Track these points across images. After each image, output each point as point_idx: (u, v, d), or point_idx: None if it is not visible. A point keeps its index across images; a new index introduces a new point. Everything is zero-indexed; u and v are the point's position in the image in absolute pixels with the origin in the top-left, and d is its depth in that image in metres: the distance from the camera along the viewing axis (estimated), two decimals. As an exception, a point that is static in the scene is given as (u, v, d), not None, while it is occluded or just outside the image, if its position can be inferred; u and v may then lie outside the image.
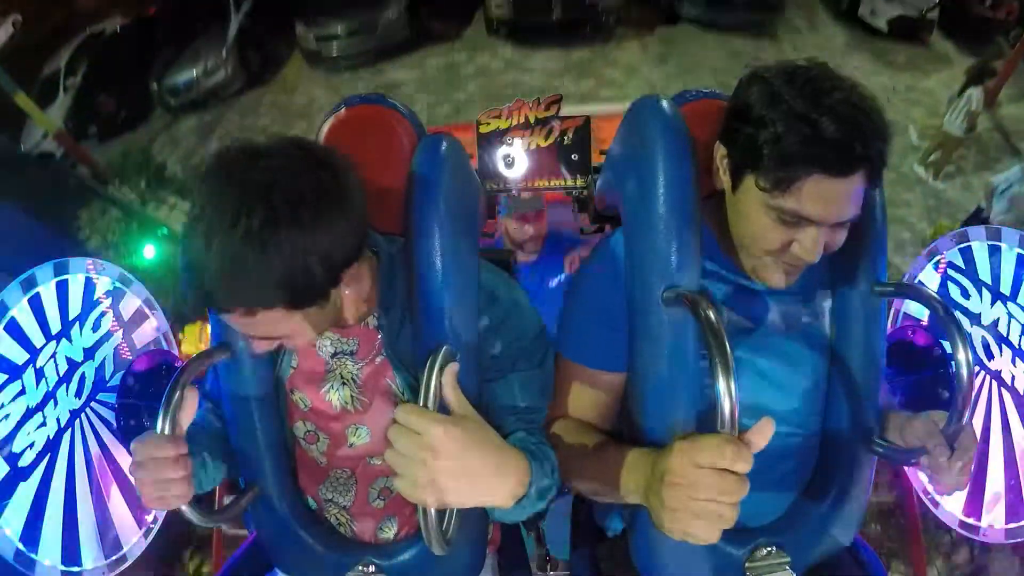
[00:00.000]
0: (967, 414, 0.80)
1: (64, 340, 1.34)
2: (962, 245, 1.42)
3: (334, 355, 0.92)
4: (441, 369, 0.71)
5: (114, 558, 1.38)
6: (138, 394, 1.42)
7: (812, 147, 0.74)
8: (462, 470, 0.66)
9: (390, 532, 0.99)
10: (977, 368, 1.32)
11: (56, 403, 1.32)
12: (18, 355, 1.25)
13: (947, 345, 1.21)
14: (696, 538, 0.64)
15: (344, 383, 0.92)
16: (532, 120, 1.36)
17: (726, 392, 0.62)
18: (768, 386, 0.92)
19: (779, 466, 0.95)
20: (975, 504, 1.35)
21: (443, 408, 0.71)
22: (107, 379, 1.44)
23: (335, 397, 0.92)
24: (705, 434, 0.63)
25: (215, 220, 0.68)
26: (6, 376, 1.22)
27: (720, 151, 0.85)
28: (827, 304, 0.95)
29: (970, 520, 1.36)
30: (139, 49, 8.23)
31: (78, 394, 1.37)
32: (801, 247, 0.80)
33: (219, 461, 0.96)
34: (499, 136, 1.38)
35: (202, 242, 0.68)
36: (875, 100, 0.77)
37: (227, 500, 0.98)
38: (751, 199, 0.81)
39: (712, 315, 0.67)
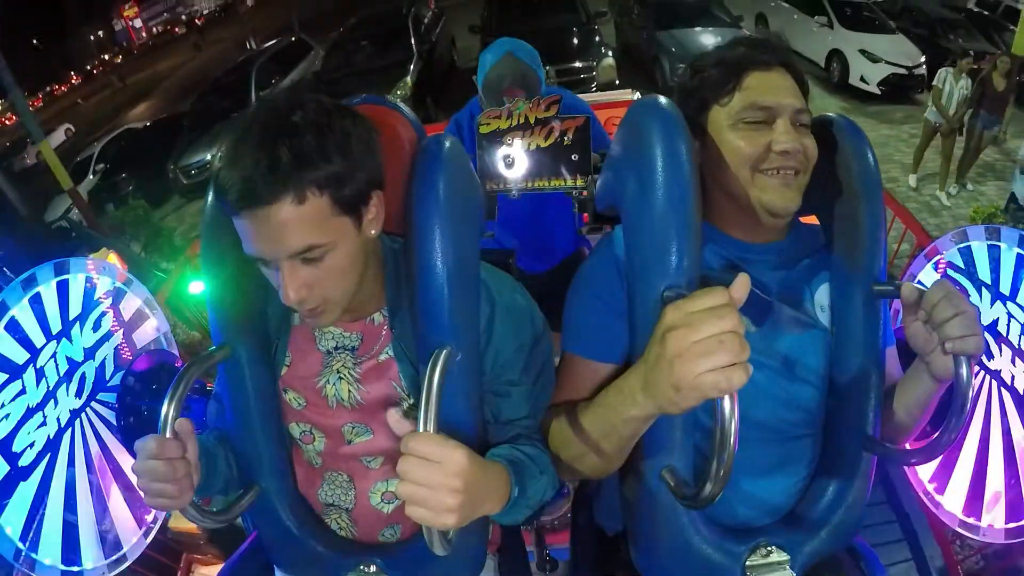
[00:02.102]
0: (967, 414, 0.80)
1: (64, 340, 1.34)
2: (962, 245, 1.42)
3: (334, 349, 0.92)
4: (443, 370, 0.72)
5: (114, 558, 1.37)
6: (138, 394, 1.42)
7: (737, 53, 0.93)
8: (474, 490, 0.69)
9: (392, 538, 0.99)
10: (977, 368, 1.32)
11: (56, 403, 1.32)
12: (19, 355, 1.25)
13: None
14: (714, 381, 0.61)
15: (341, 378, 0.92)
16: (532, 120, 1.36)
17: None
18: (769, 384, 0.92)
19: (781, 467, 0.96)
20: (975, 504, 1.35)
21: (444, 405, 0.71)
22: (107, 379, 1.44)
23: (331, 392, 0.92)
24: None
25: (268, 116, 0.72)
26: (6, 376, 1.22)
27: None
28: (827, 304, 0.95)
29: (970, 520, 1.36)
30: (166, 139, 9.13)
31: (78, 394, 1.37)
32: (776, 138, 0.88)
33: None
34: (499, 136, 1.37)
35: (255, 133, 0.70)
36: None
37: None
38: (719, 127, 0.92)
39: None
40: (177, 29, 34.82)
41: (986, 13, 10.23)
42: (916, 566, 1.54)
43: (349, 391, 0.92)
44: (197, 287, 2.86)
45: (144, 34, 36.77)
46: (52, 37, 31.84)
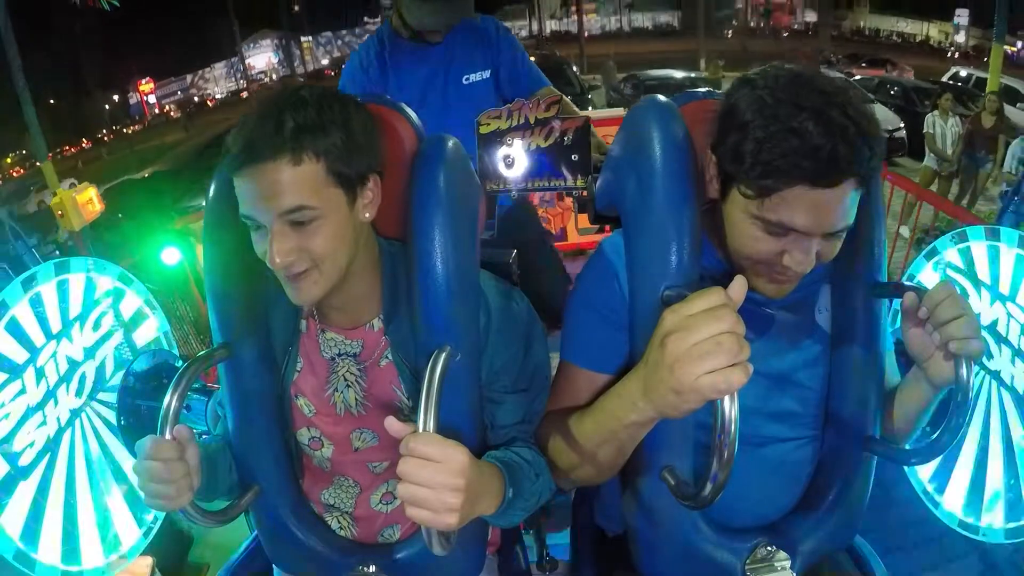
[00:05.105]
0: (967, 415, 0.80)
1: (64, 339, 1.34)
2: (961, 245, 1.42)
3: (338, 355, 0.92)
4: (443, 370, 0.72)
5: (114, 558, 1.37)
6: (139, 394, 1.42)
7: (795, 157, 0.71)
8: (473, 490, 0.69)
9: (392, 538, 0.99)
10: (976, 368, 1.32)
11: (56, 402, 1.31)
12: (18, 354, 1.24)
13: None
14: (712, 382, 0.61)
15: (348, 385, 0.92)
16: (532, 120, 1.36)
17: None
18: (771, 390, 0.92)
19: (781, 468, 0.96)
20: (975, 504, 1.35)
21: (442, 407, 0.71)
22: (107, 378, 1.44)
23: (339, 399, 0.92)
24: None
25: (278, 92, 0.79)
26: (6, 375, 1.21)
27: (711, 159, 0.83)
28: (827, 305, 0.95)
29: (970, 520, 1.36)
30: (163, 189, 9.76)
31: (78, 393, 1.37)
32: (791, 258, 0.78)
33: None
34: (499, 136, 1.37)
35: (262, 108, 0.78)
36: (865, 103, 0.75)
37: None
38: (738, 209, 0.79)
39: None
40: (173, 113, 37.05)
41: (959, 84, 11.00)
42: None
43: (356, 399, 0.92)
44: (172, 256, 2.65)
45: (157, 110, 38.74)
46: (69, 99, 33.00)
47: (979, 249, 1.38)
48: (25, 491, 1.23)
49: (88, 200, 3.30)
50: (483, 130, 1.35)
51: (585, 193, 1.34)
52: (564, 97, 1.61)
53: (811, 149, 0.70)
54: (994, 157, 5.84)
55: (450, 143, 0.89)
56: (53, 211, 3.39)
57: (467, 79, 1.83)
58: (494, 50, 1.84)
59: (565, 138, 1.34)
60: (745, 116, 0.75)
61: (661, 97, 0.91)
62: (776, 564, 0.91)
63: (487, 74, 1.84)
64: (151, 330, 1.58)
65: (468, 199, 0.90)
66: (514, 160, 1.36)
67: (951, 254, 1.45)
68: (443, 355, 0.75)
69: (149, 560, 1.58)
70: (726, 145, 0.78)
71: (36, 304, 1.29)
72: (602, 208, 1.05)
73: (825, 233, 0.77)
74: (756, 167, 0.74)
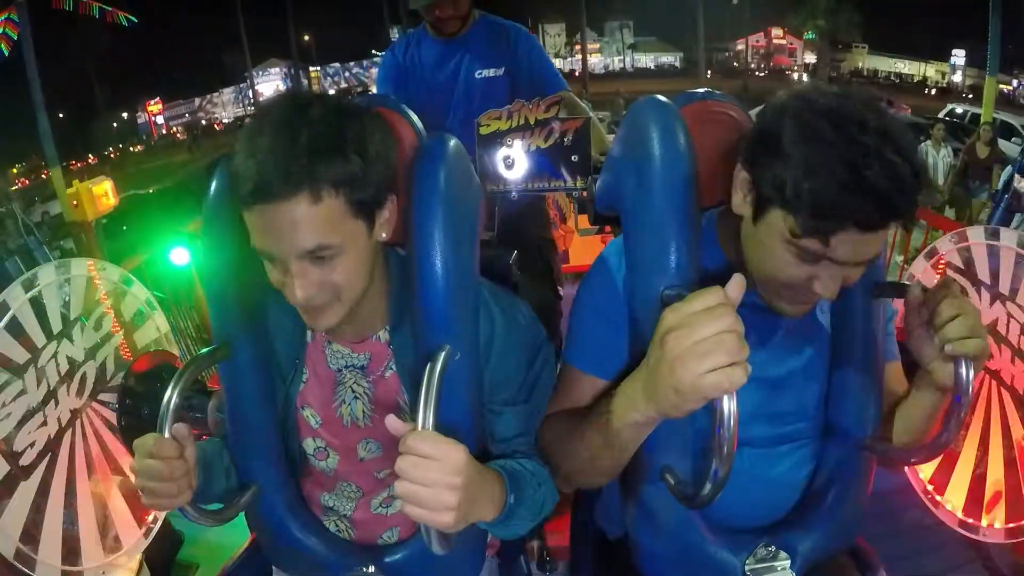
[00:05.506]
0: (965, 414, 0.80)
1: (65, 340, 1.34)
2: (961, 245, 1.43)
3: (344, 367, 0.91)
4: (442, 368, 0.72)
5: (114, 558, 1.38)
6: (139, 394, 1.42)
7: (852, 199, 0.69)
8: (471, 490, 0.68)
9: (391, 540, 0.99)
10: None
11: (57, 402, 1.32)
12: (20, 354, 1.25)
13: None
14: (714, 381, 0.61)
15: (357, 397, 0.91)
16: (532, 121, 1.36)
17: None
18: (771, 391, 0.92)
19: (781, 469, 0.96)
20: (975, 504, 1.35)
21: (442, 406, 0.71)
22: (108, 379, 1.44)
23: (346, 411, 0.92)
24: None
25: (286, 109, 0.72)
26: (7, 375, 1.22)
27: (741, 175, 0.81)
28: (828, 305, 0.95)
29: (970, 520, 1.36)
30: (168, 204, 9.84)
31: (79, 394, 1.37)
32: (822, 285, 0.77)
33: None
34: (499, 137, 1.38)
35: (271, 130, 0.70)
36: (913, 140, 0.73)
37: None
38: (774, 234, 0.77)
39: None
40: (179, 135, 37.53)
41: (955, 120, 11.24)
42: None
43: (363, 411, 0.91)
44: (181, 256, 2.58)
45: (164, 131, 39.21)
46: (77, 114, 33.39)
47: (979, 249, 1.39)
48: (25, 491, 1.23)
49: (104, 193, 3.27)
50: (483, 131, 1.35)
51: (585, 194, 1.34)
52: (568, 93, 1.61)
53: (869, 192, 0.68)
54: (989, 187, 5.83)
55: (451, 142, 0.89)
56: (67, 202, 3.36)
57: (480, 74, 1.87)
58: (511, 49, 1.88)
59: (565, 139, 1.34)
60: (792, 145, 0.72)
61: (661, 96, 0.91)
62: (776, 565, 0.91)
63: (501, 71, 1.88)
64: (151, 330, 1.58)
65: (468, 198, 0.89)
66: (514, 161, 1.37)
67: (951, 254, 1.45)
68: (442, 354, 0.75)
69: (137, 555, 1.58)
70: (767, 171, 0.75)
71: (37, 305, 1.29)
72: (602, 208, 1.05)
73: (857, 266, 0.76)
74: (809, 203, 0.71)
